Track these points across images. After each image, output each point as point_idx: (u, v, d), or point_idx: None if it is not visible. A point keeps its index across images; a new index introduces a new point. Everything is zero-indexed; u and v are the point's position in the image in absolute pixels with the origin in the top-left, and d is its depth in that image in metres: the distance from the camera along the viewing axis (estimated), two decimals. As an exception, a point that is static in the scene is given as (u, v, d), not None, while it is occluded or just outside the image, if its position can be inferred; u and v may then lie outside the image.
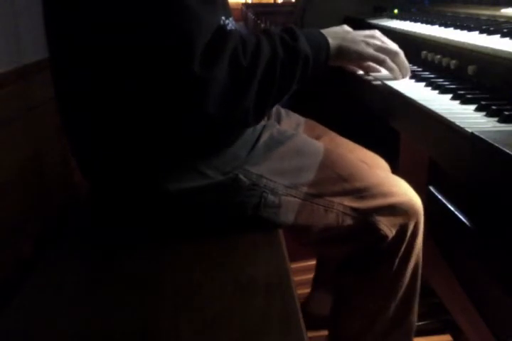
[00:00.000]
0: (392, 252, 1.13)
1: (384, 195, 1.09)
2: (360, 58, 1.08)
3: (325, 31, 1.05)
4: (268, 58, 0.90)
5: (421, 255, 1.19)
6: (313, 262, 1.68)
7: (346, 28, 1.10)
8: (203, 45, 0.84)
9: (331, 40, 1.03)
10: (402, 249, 1.13)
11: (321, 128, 1.39)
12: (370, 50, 1.07)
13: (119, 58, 0.90)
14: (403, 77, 1.10)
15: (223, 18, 0.96)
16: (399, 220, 1.10)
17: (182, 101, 0.88)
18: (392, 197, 1.10)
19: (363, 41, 1.06)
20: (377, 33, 1.11)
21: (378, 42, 1.08)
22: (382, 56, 1.08)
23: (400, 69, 1.10)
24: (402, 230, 1.10)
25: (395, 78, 1.09)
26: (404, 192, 1.13)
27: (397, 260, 1.14)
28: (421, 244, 1.18)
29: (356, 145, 1.39)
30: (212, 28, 0.87)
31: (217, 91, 0.85)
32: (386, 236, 1.09)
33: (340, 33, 1.06)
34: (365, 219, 1.07)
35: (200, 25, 0.85)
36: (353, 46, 1.05)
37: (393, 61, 1.09)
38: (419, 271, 1.20)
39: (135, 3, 0.85)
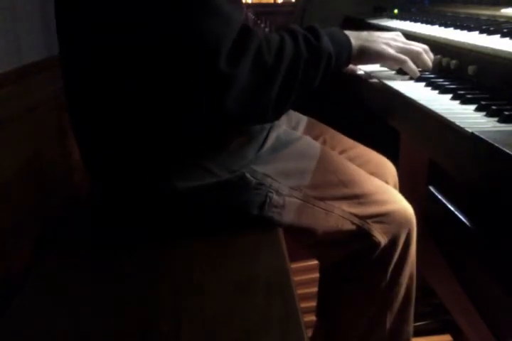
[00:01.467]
0: (385, 260, 1.14)
1: (380, 202, 1.11)
2: (380, 58, 1.09)
3: (347, 31, 1.05)
4: (291, 57, 0.90)
5: (415, 266, 1.21)
6: (313, 262, 1.68)
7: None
8: (230, 43, 0.84)
9: (353, 41, 1.03)
10: (395, 258, 1.15)
11: (321, 126, 1.39)
12: (391, 51, 1.07)
13: (135, 56, 0.90)
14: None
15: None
16: (392, 228, 1.11)
17: (202, 97, 0.88)
18: (387, 205, 1.12)
19: (384, 43, 1.07)
20: (399, 35, 1.12)
21: (400, 44, 1.09)
22: (402, 57, 1.07)
23: (422, 68, 1.10)
24: (394, 239, 1.12)
25: (412, 79, 1.09)
26: (399, 201, 1.15)
27: (390, 269, 1.15)
28: (414, 255, 1.19)
29: (356, 142, 1.39)
30: (239, 25, 0.87)
31: (240, 87, 0.86)
32: (378, 243, 1.10)
33: (362, 34, 1.07)
34: (362, 225, 1.09)
35: (229, 24, 0.85)
36: (374, 46, 1.06)
37: (416, 61, 1.09)
38: (414, 282, 1.21)
39: (163, 2, 0.85)
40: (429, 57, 1.10)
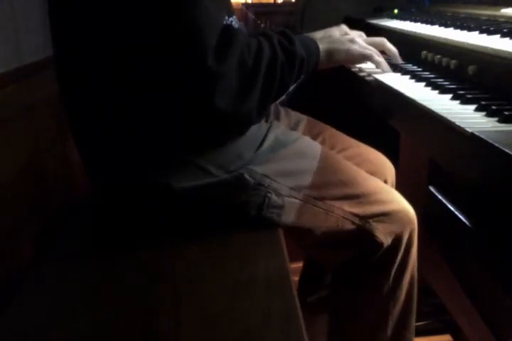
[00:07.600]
0: (388, 262, 1.13)
1: (381, 202, 1.11)
2: (350, 56, 1.12)
3: (312, 36, 1.10)
4: (269, 59, 0.93)
5: (416, 267, 1.19)
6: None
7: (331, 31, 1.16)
8: (215, 39, 0.86)
9: (320, 45, 1.07)
10: (398, 259, 1.13)
11: (321, 125, 1.39)
12: (357, 47, 1.11)
13: (126, 54, 0.91)
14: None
15: (226, 17, 0.97)
16: (394, 228, 1.10)
17: (191, 94, 0.89)
18: (389, 204, 1.11)
19: (349, 40, 1.11)
20: (345, 27, 1.17)
21: (361, 40, 1.14)
22: (368, 52, 1.13)
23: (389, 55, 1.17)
24: (397, 239, 1.11)
25: (383, 71, 1.14)
26: (400, 201, 1.15)
27: (393, 270, 1.14)
28: (415, 256, 1.18)
29: (356, 141, 1.39)
30: (220, 23, 0.89)
31: (227, 86, 0.87)
32: (381, 244, 1.09)
33: (325, 37, 1.11)
34: (363, 226, 1.08)
35: (211, 20, 0.87)
36: (341, 46, 1.10)
37: (383, 50, 1.15)
38: (415, 287, 1.19)
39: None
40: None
